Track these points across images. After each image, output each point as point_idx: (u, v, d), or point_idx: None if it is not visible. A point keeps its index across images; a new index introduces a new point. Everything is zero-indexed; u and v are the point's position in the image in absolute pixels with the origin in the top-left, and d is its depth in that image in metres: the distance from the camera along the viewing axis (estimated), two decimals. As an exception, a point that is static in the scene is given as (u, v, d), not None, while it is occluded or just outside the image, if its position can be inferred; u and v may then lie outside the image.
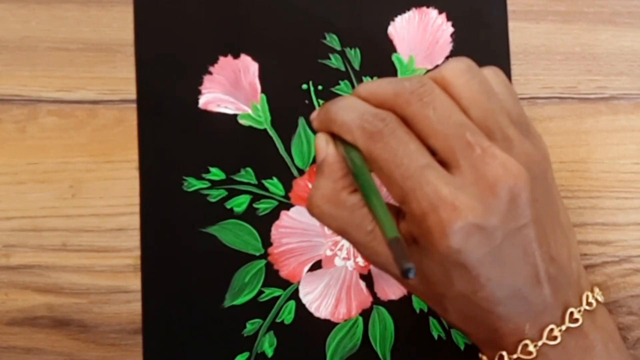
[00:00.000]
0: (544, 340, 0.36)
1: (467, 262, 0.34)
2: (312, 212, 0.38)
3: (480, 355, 0.39)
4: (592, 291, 0.38)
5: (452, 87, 0.36)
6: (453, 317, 0.37)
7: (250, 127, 0.45)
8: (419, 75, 0.37)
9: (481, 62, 0.45)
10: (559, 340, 0.36)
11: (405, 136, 0.35)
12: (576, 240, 0.39)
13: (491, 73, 0.38)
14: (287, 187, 0.45)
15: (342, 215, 0.37)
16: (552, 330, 0.36)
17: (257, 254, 0.44)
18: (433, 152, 0.35)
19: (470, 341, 0.39)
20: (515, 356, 0.36)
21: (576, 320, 0.36)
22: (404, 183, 0.34)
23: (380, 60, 0.45)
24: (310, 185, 0.45)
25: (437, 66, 0.45)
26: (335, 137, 0.37)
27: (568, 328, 0.36)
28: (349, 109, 0.37)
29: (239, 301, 0.44)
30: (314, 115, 0.39)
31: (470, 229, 0.34)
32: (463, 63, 0.37)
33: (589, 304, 0.37)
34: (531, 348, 0.36)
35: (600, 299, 0.38)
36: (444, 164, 0.35)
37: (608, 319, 0.38)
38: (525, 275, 0.35)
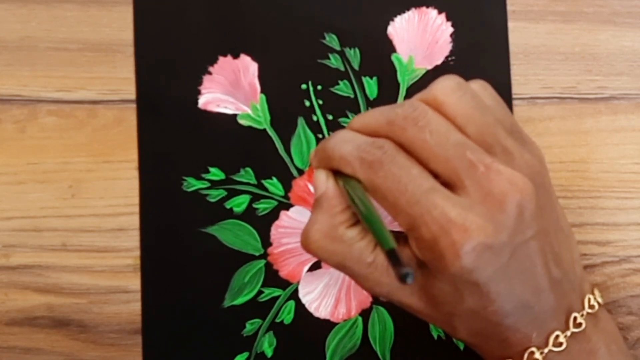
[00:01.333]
0: (550, 347, 0.36)
1: (479, 280, 0.34)
2: (308, 247, 0.37)
3: None
4: (592, 293, 0.38)
5: (445, 107, 0.36)
6: (461, 333, 0.37)
7: (249, 127, 0.45)
8: (410, 100, 0.36)
9: (481, 62, 0.45)
10: (564, 346, 0.36)
11: (406, 162, 0.35)
12: (576, 243, 0.39)
13: (479, 87, 0.37)
14: (287, 187, 0.45)
15: (340, 250, 0.36)
16: (557, 336, 0.36)
17: (257, 254, 0.44)
18: (435, 176, 0.35)
19: (476, 352, 0.39)
20: None
21: (579, 324, 0.36)
22: (411, 209, 0.34)
23: (380, 60, 0.45)
24: (309, 186, 0.45)
25: (435, 67, 0.45)
26: (336, 173, 0.37)
27: (572, 333, 0.36)
28: (345, 142, 0.36)
29: (239, 301, 0.44)
30: (312, 156, 0.38)
31: (481, 248, 0.33)
32: (452, 80, 0.36)
33: (591, 306, 0.37)
34: (537, 355, 0.36)
35: (600, 301, 0.38)
36: (448, 185, 0.35)
37: (609, 320, 0.38)
38: (533, 285, 0.35)
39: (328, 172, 0.37)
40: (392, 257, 0.32)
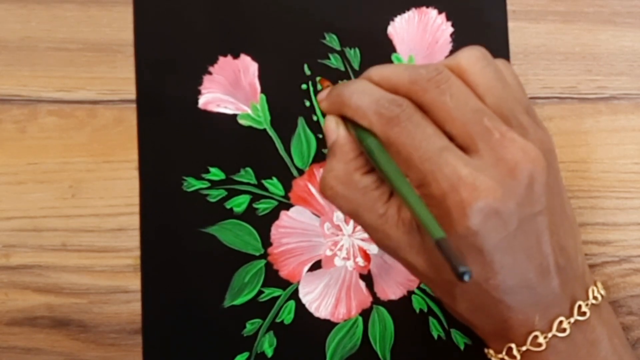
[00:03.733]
0: (553, 332, 0.36)
1: (484, 247, 0.34)
2: (325, 194, 0.38)
3: (486, 350, 0.39)
4: (595, 285, 0.38)
5: (468, 75, 0.36)
6: (461, 306, 0.37)
7: (250, 127, 0.45)
8: (434, 63, 0.37)
9: (481, 62, 0.45)
10: (567, 332, 0.36)
11: (422, 121, 0.35)
12: (580, 235, 0.39)
13: (502, 64, 0.38)
14: (287, 187, 0.45)
15: (354, 197, 0.37)
16: (561, 322, 0.36)
17: (257, 254, 0.44)
18: (450, 139, 0.35)
19: (477, 334, 0.39)
20: (524, 348, 0.36)
21: (584, 313, 0.36)
22: (423, 165, 0.34)
23: (380, 60, 0.45)
24: (309, 186, 0.45)
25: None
26: (346, 120, 0.38)
27: (576, 321, 0.36)
28: (364, 93, 0.37)
29: (239, 301, 0.44)
30: (322, 96, 0.39)
31: (489, 211, 0.34)
32: (478, 51, 0.37)
33: (594, 298, 0.37)
34: (541, 340, 0.36)
35: (603, 293, 0.38)
36: (462, 148, 0.35)
37: (612, 314, 0.38)
38: (537, 264, 0.36)
39: (337, 118, 0.38)
40: (446, 249, 0.32)
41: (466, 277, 0.31)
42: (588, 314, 0.36)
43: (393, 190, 0.37)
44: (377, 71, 0.38)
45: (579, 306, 0.36)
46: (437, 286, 0.38)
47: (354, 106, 0.37)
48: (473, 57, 0.37)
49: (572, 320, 0.36)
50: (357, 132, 0.37)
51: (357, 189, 0.37)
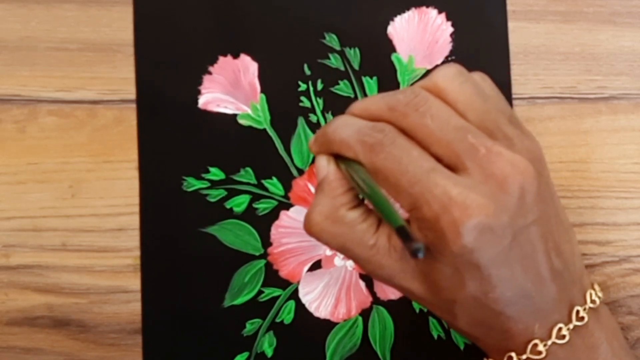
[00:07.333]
0: (553, 339, 0.36)
1: (480, 262, 0.34)
2: (310, 230, 0.37)
3: (485, 359, 0.39)
4: (593, 288, 0.38)
5: (446, 93, 0.36)
6: (462, 322, 0.37)
7: (249, 127, 0.45)
8: (411, 87, 0.37)
9: (481, 62, 0.46)
10: (567, 339, 0.36)
11: (407, 144, 0.35)
12: (576, 238, 0.39)
13: (479, 77, 0.38)
14: (287, 187, 0.45)
15: (342, 232, 0.37)
16: (560, 329, 0.36)
17: (257, 253, 0.44)
18: (437, 160, 0.35)
19: (478, 346, 0.39)
20: (524, 357, 0.36)
21: (582, 318, 0.36)
22: (412, 189, 0.34)
23: (380, 60, 0.45)
24: (309, 186, 0.45)
25: (434, 67, 0.45)
26: (337, 157, 0.37)
27: (575, 327, 0.36)
28: (346, 126, 0.37)
29: (239, 301, 0.44)
30: (311, 142, 0.39)
31: (482, 228, 0.34)
32: (453, 68, 0.37)
33: (592, 301, 0.37)
34: (541, 348, 0.36)
35: (600, 296, 0.38)
36: (450, 168, 0.35)
37: (610, 316, 0.38)
38: (534, 274, 0.36)
39: (329, 156, 0.38)
40: (403, 233, 0.33)
41: (420, 254, 0.32)
42: (586, 319, 0.36)
43: (375, 212, 0.37)
44: (357, 105, 0.38)
45: (577, 311, 0.36)
46: (436, 307, 0.38)
47: (338, 140, 0.36)
48: (449, 74, 0.36)
49: (570, 326, 0.36)
50: (345, 165, 0.37)
51: (344, 223, 0.37)
